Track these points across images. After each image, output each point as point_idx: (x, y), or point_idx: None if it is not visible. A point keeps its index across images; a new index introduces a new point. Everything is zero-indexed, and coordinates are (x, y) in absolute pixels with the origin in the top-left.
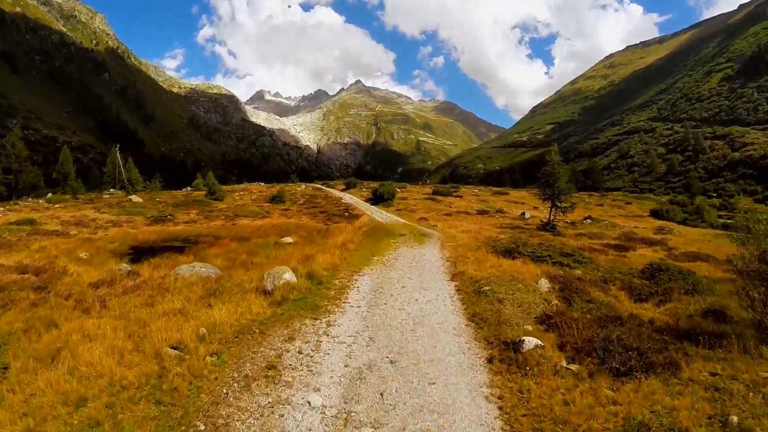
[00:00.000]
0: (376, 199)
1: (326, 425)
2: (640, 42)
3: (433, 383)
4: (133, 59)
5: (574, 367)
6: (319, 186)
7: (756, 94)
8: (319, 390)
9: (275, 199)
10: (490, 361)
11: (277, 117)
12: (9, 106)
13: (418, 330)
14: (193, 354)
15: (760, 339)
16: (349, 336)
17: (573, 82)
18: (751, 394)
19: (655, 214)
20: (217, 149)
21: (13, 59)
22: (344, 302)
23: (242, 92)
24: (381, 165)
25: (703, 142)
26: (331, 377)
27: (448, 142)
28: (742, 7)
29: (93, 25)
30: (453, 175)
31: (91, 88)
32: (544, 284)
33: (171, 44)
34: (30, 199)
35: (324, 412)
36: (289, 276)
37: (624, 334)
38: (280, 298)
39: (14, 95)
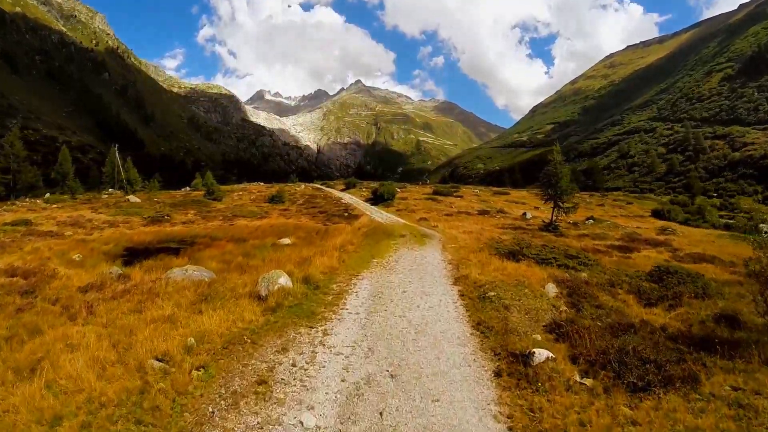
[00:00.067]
0: (376, 199)
1: None
2: (641, 42)
3: (437, 400)
4: (133, 59)
5: (588, 381)
6: (318, 186)
7: (756, 93)
8: (312, 408)
9: (274, 200)
10: (497, 374)
11: (277, 117)
12: (9, 106)
13: (420, 339)
14: (179, 367)
15: None
16: (347, 346)
17: (573, 82)
18: None
19: (657, 214)
20: (217, 149)
21: (12, 59)
22: (342, 309)
23: (242, 92)
24: (381, 165)
25: (703, 142)
26: (326, 393)
27: (448, 142)
28: (742, 6)
29: (93, 25)
30: (453, 175)
31: (90, 88)
32: (552, 289)
33: (171, 44)
34: (28, 199)
35: None
36: (284, 281)
37: (639, 344)
38: (274, 304)
39: (14, 95)
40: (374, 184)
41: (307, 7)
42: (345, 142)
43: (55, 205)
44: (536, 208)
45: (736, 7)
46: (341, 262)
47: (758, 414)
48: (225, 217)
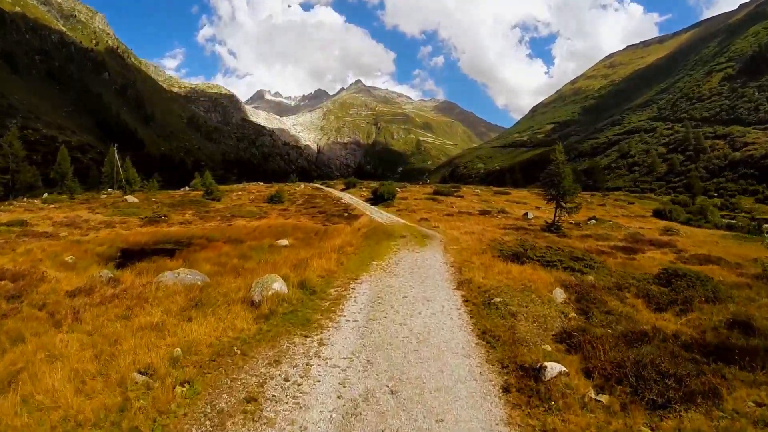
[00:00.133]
0: (376, 199)
1: None
2: (641, 42)
3: (441, 420)
4: (132, 59)
5: (604, 398)
6: (318, 186)
7: (757, 93)
8: (306, 429)
9: (273, 199)
10: (506, 390)
11: (277, 117)
12: (9, 106)
13: (422, 350)
14: (162, 382)
15: None
16: (344, 358)
17: (573, 82)
18: None
19: (658, 214)
20: (217, 149)
21: (12, 59)
22: (339, 315)
23: (242, 92)
24: (381, 165)
25: (703, 142)
26: (321, 412)
27: (449, 142)
28: (742, 6)
29: (93, 25)
30: (453, 174)
31: (90, 88)
32: (559, 294)
33: (171, 44)
34: (26, 199)
35: None
36: (278, 286)
37: (656, 356)
38: (267, 311)
39: (14, 95)
40: (374, 184)
41: (307, 7)
42: (345, 141)
43: (52, 206)
44: (537, 208)
45: (736, 7)
46: (340, 265)
47: None
48: (223, 217)
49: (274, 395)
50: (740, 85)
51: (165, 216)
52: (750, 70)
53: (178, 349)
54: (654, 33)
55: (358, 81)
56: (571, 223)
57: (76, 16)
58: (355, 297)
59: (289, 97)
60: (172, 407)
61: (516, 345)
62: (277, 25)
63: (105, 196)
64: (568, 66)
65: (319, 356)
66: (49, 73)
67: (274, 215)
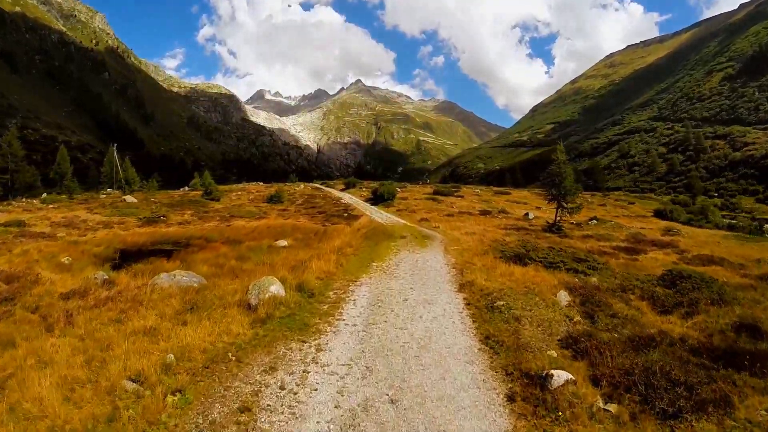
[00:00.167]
0: (376, 199)
1: None
2: (641, 41)
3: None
4: (132, 59)
5: (612, 407)
6: (318, 186)
7: (757, 93)
8: None
9: (273, 199)
10: (511, 399)
11: (277, 116)
12: (8, 106)
13: (424, 356)
14: (153, 390)
15: None
16: (342, 364)
17: (573, 82)
18: None
19: (659, 214)
20: (217, 149)
21: (12, 59)
22: (338, 319)
23: (242, 92)
24: (381, 164)
25: (704, 142)
26: (317, 423)
27: (449, 142)
28: (742, 6)
29: (93, 25)
30: (453, 174)
31: (90, 88)
32: (564, 297)
33: (171, 44)
34: (24, 199)
35: None
36: (275, 288)
37: (665, 362)
38: (264, 315)
39: (14, 95)
40: (374, 184)
41: (307, 7)
42: (345, 141)
43: (51, 206)
44: (538, 208)
45: (736, 7)
46: (339, 266)
47: None
48: (222, 217)
49: (269, 405)
50: (740, 84)
51: (164, 216)
52: (750, 69)
53: (171, 355)
54: (654, 33)
55: (358, 81)
56: (572, 223)
57: (75, 15)
58: (354, 300)
59: (289, 97)
60: (162, 418)
61: (520, 351)
62: (277, 24)
63: (104, 196)
64: (568, 66)
65: (317, 363)
66: (48, 72)
67: (274, 215)
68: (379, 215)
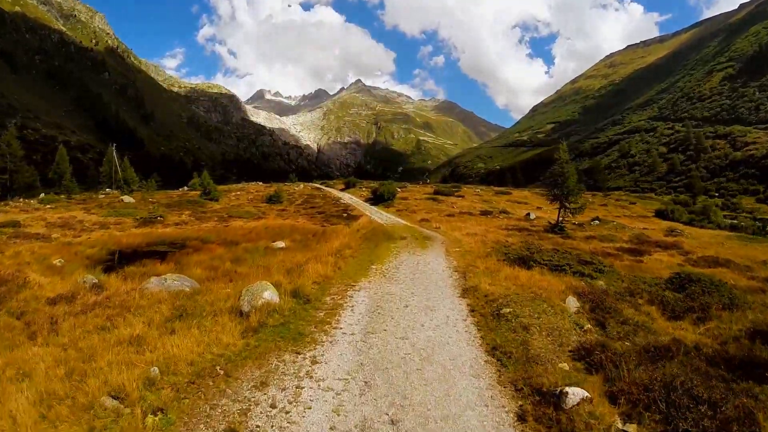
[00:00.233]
0: (376, 199)
1: None
2: (641, 41)
3: None
4: (132, 58)
5: (632, 429)
6: (318, 185)
7: (757, 93)
8: None
9: (272, 200)
10: (522, 418)
11: (277, 116)
12: (8, 106)
13: (426, 369)
14: (134, 408)
15: None
16: (339, 379)
17: (573, 82)
18: None
19: (661, 214)
20: (217, 149)
21: (12, 59)
22: (335, 328)
23: (242, 91)
24: (381, 164)
25: (704, 142)
26: None
27: (449, 142)
28: (742, 6)
29: (92, 25)
30: (453, 174)
31: (90, 88)
32: (573, 303)
33: (171, 44)
34: (22, 199)
35: None
36: (269, 294)
37: (686, 377)
38: (256, 323)
39: (13, 95)
40: (374, 184)
41: (307, 7)
42: (345, 141)
43: (48, 206)
44: (539, 208)
45: (736, 7)
46: (337, 270)
47: None
48: (220, 218)
49: (258, 426)
50: (741, 84)
51: (161, 216)
52: (750, 69)
53: (156, 369)
54: (654, 33)
55: (359, 81)
56: (575, 223)
57: (75, 15)
58: (352, 306)
59: (289, 97)
60: None
61: (530, 363)
62: (277, 24)
63: (103, 196)
64: (569, 66)
65: (311, 377)
66: (48, 72)
67: (272, 216)
68: (379, 215)
